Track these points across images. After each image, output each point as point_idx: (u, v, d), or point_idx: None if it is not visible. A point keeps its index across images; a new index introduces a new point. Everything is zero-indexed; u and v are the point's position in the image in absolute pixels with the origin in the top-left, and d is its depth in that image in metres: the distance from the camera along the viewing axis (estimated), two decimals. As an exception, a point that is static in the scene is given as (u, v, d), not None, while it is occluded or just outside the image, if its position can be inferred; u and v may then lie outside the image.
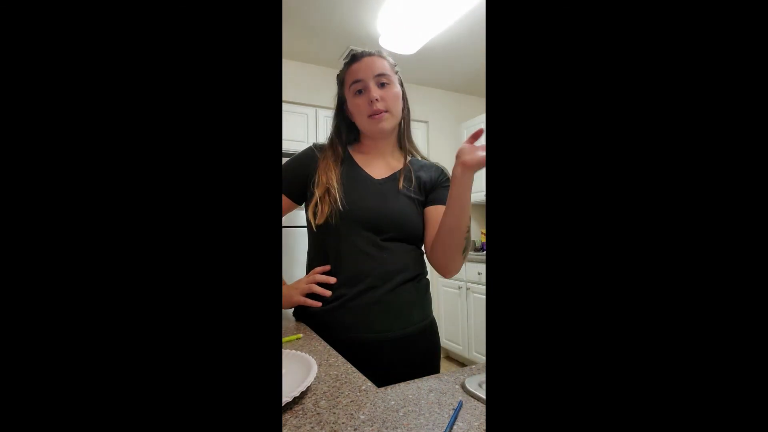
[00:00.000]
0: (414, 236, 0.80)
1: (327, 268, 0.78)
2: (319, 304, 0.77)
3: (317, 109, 2.66)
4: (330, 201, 0.76)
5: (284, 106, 2.56)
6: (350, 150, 0.88)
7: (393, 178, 0.83)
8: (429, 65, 2.78)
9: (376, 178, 0.82)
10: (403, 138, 0.88)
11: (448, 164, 3.19)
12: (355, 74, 0.80)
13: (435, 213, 0.81)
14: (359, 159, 0.86)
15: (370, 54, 0.81)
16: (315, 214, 0.77)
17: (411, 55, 2.57)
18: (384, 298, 0.75)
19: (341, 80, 0.85)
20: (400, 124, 0.86)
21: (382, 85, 0.80)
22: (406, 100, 0.87)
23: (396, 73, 0.84)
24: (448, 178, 0.85)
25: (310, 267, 0.84)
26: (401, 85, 0.85)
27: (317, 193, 0.77)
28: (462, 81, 3.09)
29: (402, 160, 0.87)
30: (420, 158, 0.90)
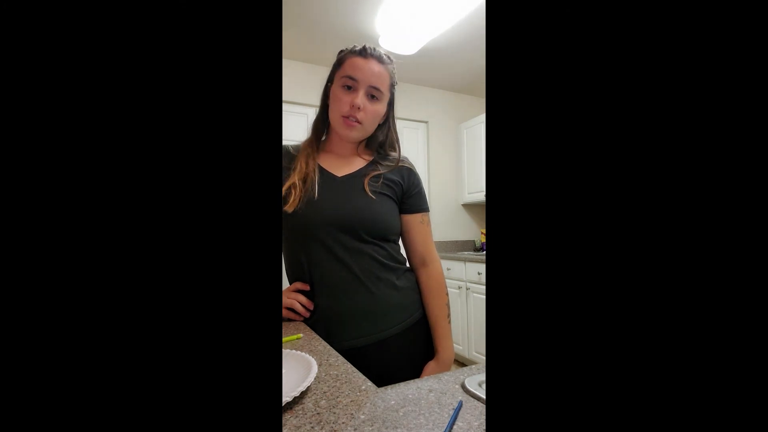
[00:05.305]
0: (384, 232, 0.78)
1: (307, 287, 0.77)
2: (300, 318, 0.78)
3: (317, 109, 2.65)
4: (306, 187, 0.75)
5: (284, 106, 2.56)
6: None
7: (356, 175, 0.80)
8: (429, 65, 2.78)
9: (339, 175, 0.81)
10: (373, 143, 0.85)
11: (448, 165, 3.22)
12: (354, 70, 0.76)
13: (412, 221, 0.83)
14: (320, 157, 0.83)
15: (380, 59, 0.78)
16: (286, 201, 0.75)
17: (411, 55, 2.57)
18: (361, 303, 0.75)
19: (340, 61, 0.80)
20: (374, 134, 0.84)
21: (372, 97, 0.78)
22: (392, 108, 0.85)
23: (392, 86, 0.82)
24: (418, 181, 0.85)
25: (289, 274, 0.83)
26: (391, 102, 0.83)
27: (296, 178, 0.76)
28: (462, 81, 3.09)
29: (366, 159, 0.84)
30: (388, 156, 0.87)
